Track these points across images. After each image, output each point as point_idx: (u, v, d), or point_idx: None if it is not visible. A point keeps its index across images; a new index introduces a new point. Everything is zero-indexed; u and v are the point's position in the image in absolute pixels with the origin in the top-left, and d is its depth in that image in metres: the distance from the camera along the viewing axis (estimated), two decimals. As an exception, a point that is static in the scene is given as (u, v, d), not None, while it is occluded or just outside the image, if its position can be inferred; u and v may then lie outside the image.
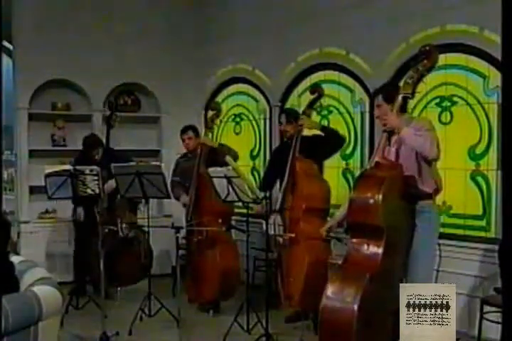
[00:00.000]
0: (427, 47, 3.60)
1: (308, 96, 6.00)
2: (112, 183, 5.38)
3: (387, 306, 3.35)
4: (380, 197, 3.43)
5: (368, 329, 3.39)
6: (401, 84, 3.75)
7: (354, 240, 3.58)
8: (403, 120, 3.66)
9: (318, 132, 4.90)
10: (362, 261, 3.51)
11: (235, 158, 5.54)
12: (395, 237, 3.53)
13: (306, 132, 4.91)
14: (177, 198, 5.66)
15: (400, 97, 3.61)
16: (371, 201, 3.46)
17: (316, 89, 4.92)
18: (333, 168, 5.65)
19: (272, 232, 4.79)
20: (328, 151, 4.99)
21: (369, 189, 3.50)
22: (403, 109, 3.70)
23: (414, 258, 3.68)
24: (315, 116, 5.28)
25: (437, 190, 3.84)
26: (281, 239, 4.81)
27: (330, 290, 3.46)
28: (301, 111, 5.00)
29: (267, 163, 5.86)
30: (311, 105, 4.88)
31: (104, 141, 5.95)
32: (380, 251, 3.47)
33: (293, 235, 4.65)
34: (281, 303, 4.83)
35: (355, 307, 3.31)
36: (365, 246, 3.52)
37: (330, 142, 4.87)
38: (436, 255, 4.03)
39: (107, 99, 6.87)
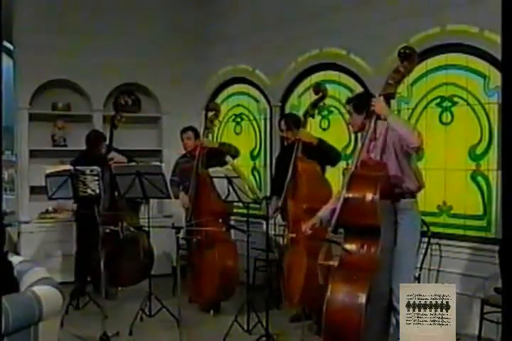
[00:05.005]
0: (407, 51, 3.53)
1: (309, 97, 6.07)
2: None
3: (384, 302, 3.43)
4: (377, 196, 3.42)
5: (371, 328, 3.40)
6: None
7: (351, 240, 3.54)
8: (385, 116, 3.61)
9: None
10: (361, 261, 3.48)
11: (237, 154, 5.55)
12: (383, 235, 3.52)
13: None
14: (176, 197, 5.66)
15: (381, 98, 3.57)
16: (369, 201, 3.43)
17: (320, 89, 4.81)
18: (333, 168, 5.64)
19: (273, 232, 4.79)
20: (325, 163, 4.93)
21: (365, 188, 3.47)
22: None
23: (397, 256, 3.66)
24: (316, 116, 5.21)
25: (420, 188, 3.83)
26: (284, 240, 4.80)
27: (333, 292, 3.41)
28: (303, 112, 4.94)
29: (273, 169, 5.78)
30: (314, 105, 4.82)
31: (107, 140, 5.94)
32: (377, 249, 3.45)
33: (294, 235, 4.64)
34: (283, 303, 4.83)
35: (363, 307, 3.29)
36: (363, 246, 3.49)
37: (327, 157, 4.85)
38: (419, 252, 4.05)
39: (107, 99, 6.88)
